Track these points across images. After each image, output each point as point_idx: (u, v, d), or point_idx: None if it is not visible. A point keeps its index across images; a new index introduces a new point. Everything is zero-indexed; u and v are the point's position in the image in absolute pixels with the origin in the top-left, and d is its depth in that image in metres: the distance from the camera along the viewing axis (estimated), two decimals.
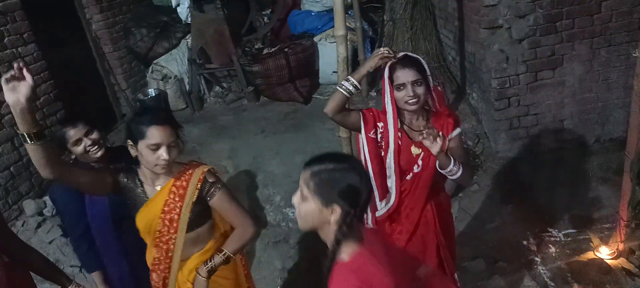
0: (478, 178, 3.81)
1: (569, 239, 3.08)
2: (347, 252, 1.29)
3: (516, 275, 2.92)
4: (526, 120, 3.93)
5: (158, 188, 1.88)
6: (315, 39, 5.58)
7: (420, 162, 1.98)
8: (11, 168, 3.91)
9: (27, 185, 4.03)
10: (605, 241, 2.89)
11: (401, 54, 1.96)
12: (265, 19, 6.28)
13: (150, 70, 5.94)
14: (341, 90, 2.04)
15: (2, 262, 1.77)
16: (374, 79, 5.36)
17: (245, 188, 4.16)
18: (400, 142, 1.99)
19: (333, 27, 5.27)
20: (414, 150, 1.98)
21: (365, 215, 1.37)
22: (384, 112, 2.00)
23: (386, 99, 1.96)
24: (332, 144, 4.33)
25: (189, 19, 5.83)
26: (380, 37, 5.54)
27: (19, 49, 4.08)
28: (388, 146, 1.99)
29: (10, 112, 3.90)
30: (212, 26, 5.60)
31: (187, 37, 5.96)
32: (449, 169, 1.86)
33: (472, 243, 3.22)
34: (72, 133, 2.06)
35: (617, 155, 3.62)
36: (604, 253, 2.81)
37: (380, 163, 2.04)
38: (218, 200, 1.91)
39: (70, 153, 2.11)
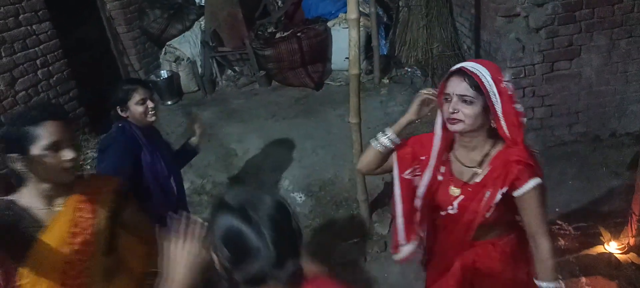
0: None
1: (578, 233, 3.03)
2: None
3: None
4: (541, 111, 3.85)
5: (58, 209, 1.51)
6: (329, 24, 5.53)
7: (455, 205, 1.61)
8: None
9: None
10: (616, 235, 2.84)
11: (462, 63, 1.55)
12: (279, 2, 6.23)
13: (163, 52, 5.95)
14: (376, 145, 1.71)
15: None
16: (387, 65, 5.30)
17: (254, 172, 4.17)
18: (439, 176, 1.64)
19: (345, 12, 5.22)
20: (453, 190, 1.62)
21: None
22: (431, 136, 1.65)
23: (437, 116, 1.61)
24: (342, 129, 4.31)
25: (203, 1, 5.82)
26: (395, 24, 5.47)
27: (33, 26, 4.11)
28: (423, 172, 1.66)
29: (25, 89, 3.96)
30: (226, 9, 5.58)
31: (200, 19, 5.95)
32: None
33: None
34: (141, 92, 2.19)
35: (633, 149, 3.54)
36: (614, 247, 2.76)
37: (412, 201, 1.72)
38: (131, 214, 1.72)
39: (123, 110, 2.22)
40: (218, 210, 1.04)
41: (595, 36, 3.63)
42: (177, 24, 5.87)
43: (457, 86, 1.49)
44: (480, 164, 1.56)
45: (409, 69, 5.18)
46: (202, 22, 5.93)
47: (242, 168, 4.25)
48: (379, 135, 1.71)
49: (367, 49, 5.33)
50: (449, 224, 1.66)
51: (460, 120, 1.49)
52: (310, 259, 1.20)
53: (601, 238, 2.89)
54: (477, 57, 4.60)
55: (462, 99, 1.48)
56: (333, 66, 5.63)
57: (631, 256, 2.68)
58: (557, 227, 3.14)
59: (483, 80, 1.46)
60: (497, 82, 1.46)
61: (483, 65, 1.50)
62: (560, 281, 1.56)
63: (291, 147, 4.35)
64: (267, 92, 5.60)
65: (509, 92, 1.46)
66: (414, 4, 5.13)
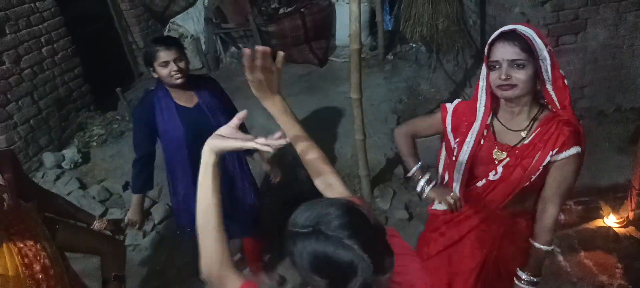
0: None
1: (579, 207, 3.03)
2: None
3: None
4: None
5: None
6: None
7: (499, 170, 1.58)
8: (31, 121, 4.02)
9: (46, 139, 4.15)
10: (616, 210, 2.84)
11: (510, 26, 1.46)
12: None
13: (167, 29, 5.95)
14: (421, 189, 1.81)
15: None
16: (391, 40, 5.26)
17: None
18: (482, 141, 1.60)
19: None
20: (497, 154, 1.58)
21: None
22: (472, 100, 1.62)
23: (481, 81, 1.56)
24: (345, 106, 4.31)
25: None
26: None
27: (37, 3, 4.12)
28: (463, 142, 1.63)
29: (30, 66, 3.99)
30: None
31: None
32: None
33: None
34: (163, 55, 2.08)
35: (637, 124, 3.51)
36: (613, 221, 2.77)
37: (452, 164, 1.71)
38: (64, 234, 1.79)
39: (153, 71, 2.14)
40: (292, 242, 0.90)
41: (601, 10, 3.56)
42: (180, 0, 5.85)
43: (507, 51, 1.43)
44: (527, 128, 1.54)
45: (414, 45, 5.14)
46: None
47: None
48: (421, 181, 1.78)
49: (371, 24, 5.29)
50: (483, 193, 1.65)
51: (513, 85, 1.45)
52: None
53: (601, 212, 2.90)
54: (482, 33, 4.55)
55: (515, 63, 1.43)
56: (337, 42, 5.60)
57: (630, 230, 2.69)
58: None
59: (534, 42, 1.42)
60: (545, 45, 1.43)
61: (530, 28, 1.45)
62: (555, 247, 1.60)
63: None
64: None
65: (555, 56, 1.45)
66: None
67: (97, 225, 2.15)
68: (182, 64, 2.11)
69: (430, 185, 1.77)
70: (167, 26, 5.90)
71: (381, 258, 0.88)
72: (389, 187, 3.47)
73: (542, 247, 1.59)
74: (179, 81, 2.11)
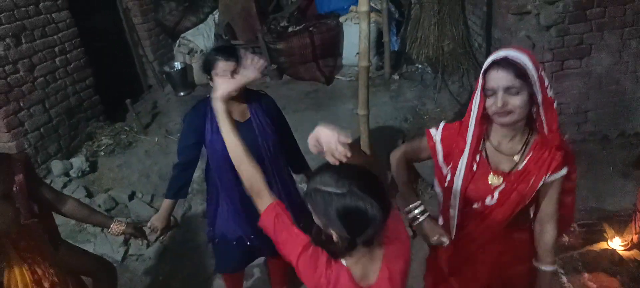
0: None
1: (583, 229, 3.04)
2: (346, 260, 1.25)
3: None
4: None
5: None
6: (341, 19, 5.57)
7: (496, 195, 1.59)
8: (41, 129, 4.08)
9: (55, 147, 4.20)
10: (620, 233, 2.85)
11: (501, 53, 1.48)
12: None
13: (177, 44, 6.05)
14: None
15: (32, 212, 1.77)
16: (398, 61, 5.33)
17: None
18: (475, 167, 1.61)
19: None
20: (493, 179, 1.59)
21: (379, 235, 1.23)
22: (463, 125, 1.62)
23: (473, 106, 1.56)
24: (351, 124, 4.35)
25: None
26: (406, 20, 5.50)
27: (53, 14, 4.22)
28: (456, 168, 1.63)
29: (43, 75, 4.07)
30: (240, 3, 5.65)
31: (214, 12, 6.04)
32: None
33: None
34: (222, 65, 2.04)
35: None
36: (617, 244, 2.78)
37: (448, 190, 1.69)
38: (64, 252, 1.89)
39: (210, 79, 2.10)
40: (322, 199, 1.15)
41: (606, 35, 3.63)
42: (191, 16, 5.96)
43: (502, 78, 1.44)
44: (520, 152, 1.55)
45: (420, 66, 5.21)
46: (216, 15, 6.01)
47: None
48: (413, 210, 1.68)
49: (378, 44, 5.37)
50: (481, 216, 1.64)
51: (510, 112, 1.46)
52: None
53: (605, 235, 2.90)
54: (488, 56, 4.60)
55: (510, 90, 1.44)
56: (344, 61, 5.67)
57: (634, 253, 2.69)
58: None
59: (527, 68, 1.43)
60: (537, 69, 1.45)
61: (522, 52, 1.46)
62: (558, 267, 1.63)
63: (300, 139, 4.36)
64: (278, 85, 5.66)
65: (546, 79, 1.47)
66: (426, 1, 5.15)
67: (114, 228, 2.09)
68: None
69: (424, 216, 1.67)
70: (178, 41, 6.00)
71: (388, 210, 1.16)
72: (393, 203, 3.48)
73: (547, 268, 1.64)
74: (234, 94, 2.09)
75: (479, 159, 1.60)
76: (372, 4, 3.17)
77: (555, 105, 1.49)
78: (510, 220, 1.61)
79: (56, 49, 4.26)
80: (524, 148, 1.55)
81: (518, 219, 1.65)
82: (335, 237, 1.18)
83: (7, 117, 3.77)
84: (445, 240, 1.62)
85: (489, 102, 1.49)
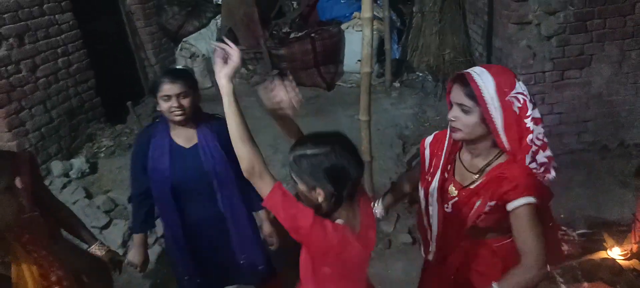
0: None
1: (583, 239, 3.05)
2: (336, 218, 1.37)
3: None
4: (549, 118, 3.88)
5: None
6: (343, 26, 5.61)
7: (449, 205, 1.62)
8: (42, 129, 4.08)
9: (55, 147, 4.20)
10: (619, 242, 2.86)
11: (474, 68, 1.50)
12: (295, 4, 6.33)
13: (179, 48, 6.08)
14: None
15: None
16: (398, 69, 5.36)
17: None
18: (446, 173, 1.64)
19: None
20: (451, 190, 1.62)
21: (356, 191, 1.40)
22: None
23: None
24: (351, 130, 4.35)
25: (220, 0, 5.93)
26: (408, 29, 5.54)
27: (56, 16, 4.24)
28: (437, 169, 1.66)
29: (45, 76, 4.08)
30: (242, 8, 5.68)
31: (217, 17, 6.07)
32: None
33: None
34: (166, 88, 1.93)
35: None
36: (616, 253, 2.78)
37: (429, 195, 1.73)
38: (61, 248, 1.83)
39: (158, 102, 2.00)
40: (308, 160, 1.32)
41: (606, 46, 3.66)
42: (193, 20, 5.99)
43: (457, 94, 1.47)
44: (481, 172, 1.53)
45: (420, 74, 5.24)
46: (218, 20, 6.05)
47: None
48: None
49: (379, 52, 5.40)
50: (447, 220, 1.65)
51: (459, 129, 1.49)
52: None
53: (604, 244, 2.91)
54: (488, 64, 4.63)
55: (461, 107, 1.46)
56: (345, 68, 5.70)
57: (633, 262, 2.70)
58: (562, 232, 3.16)
59: (483, 90, 1.40)
60: (501, 94, 1.39)
61: (491, 74, 1.42)
62: (557, 276, 1.56)
63: None
64: None
65: (517, 106, 1.40)
66: (428, 10, 5.20)
67: (95, 248, 2.07)
68: (185, 101, 1.95)
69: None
70: (180, 45, 6.03)
71: (362, 166, 1.36)
72: (393, 210, 3.49)
73: None
74: (178, 118, 1.97)
75: (450, 167, 1.64)
76: (374, 12, 3.20)
77: (530, 138, 1.41)
78: (472, 231, 1.57)
79: (59, 50, 4.27)
80: (485, 168, 1.52)
81: (492, 232, 1.59)
82: (321, 197, 1.33)
83: (8, 116, 3.77)
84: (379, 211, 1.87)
85: (449, 113, 1.53)
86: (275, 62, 5.63)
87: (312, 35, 5.44)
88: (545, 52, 3.71)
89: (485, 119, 1.42)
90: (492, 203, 1.47)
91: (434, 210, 1.65)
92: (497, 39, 4.25)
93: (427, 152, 1.73)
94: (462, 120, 1.46)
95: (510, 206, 1.43)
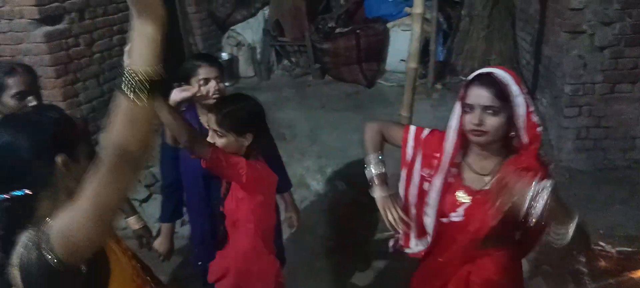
0: None
1: (622, 257, 2.96)
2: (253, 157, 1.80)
3: (560, 281, 2.86)
4: (596, 132, 3.77)
5: None
6: (389, 25, 5.61)
7: (461, 212, 1.55)
8: (94, 102, 4.29)
9: (105, 121, 4.39)
10: None
11: (486, 69, 1.48)
12: (342, 0, 6.37)
13: (226, 36, 6.22)
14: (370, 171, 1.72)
15: None
16: (441, 71, 5.32)
17: (299, 156, 4.31)
18: (451, 179, 1.57)
19: (407, 16, 5.28)
20: (460, 196, 1.55)
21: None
22: (445, 138, 1.58)
23: (452, 120, 1.54)
24: None
25: None
26: (454, 32, 5.48)
27: None
28: (433, 177, 1.58)
29: (100, 51, 4.28)
30: (291, 0, 5.78)
31: (265, 8, 6.18)
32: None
33: None
34: (204, 71, 1.93)
35: None
36: None
37: (422, 197, 1.66)
38: None
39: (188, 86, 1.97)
40: (239, 110, 1.80)
41: None
42: (242, 10, 6.12)
43: (482, 96, 1.41)
44: (492, 173, 1.50)
45: (463, 78, 5.17)
46: (266, 11, 6.15)
47: (288, 152, 4.38)
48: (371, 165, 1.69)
49: (424, 53, 5.37)
50: (451, 231, 1.60)
51: (485, 132, 1.43)
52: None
53: None
54: (535, 74, 4.54)
55: (488, 109, 1.41)
56: (387, 67, 5.71)
57: None
58: (599, 248, 3.08)
59: (510, 89, 1.41)
60: (521, 91, 1.42)
61: (507, 72, 1.44)
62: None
63: (338, 138, 4.46)
64: (320, 84, 5.74)
65: (527, 101, 1.43)
66: (477, 14, 5.13)
67: (133, 221, 2.14)
68: (222, 85, 1.99)
69: (379, 182, 1.65)
70: (227, 33, 6.17)
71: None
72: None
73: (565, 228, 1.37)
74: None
75: (455, 173, 1.57)
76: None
77: (539, 130, 1.44)
78: (481, 241, 1.54)
79: (114, 28, 4.47)
80: (497, 168, 1.49)
81: (494, 240, 1.56)
82: (249, 140, 1.75)
83: (64, 86, 3.98)
84: (395, 217, 1.58)
85: (467, 118, 1.45)
86: (319, 56, 5.70)
87: (357, 31, 5.47)
88: (596, 63, 3.61)
89: (513, 117, 1.42)
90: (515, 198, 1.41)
91: (431, 212, 1.61)
92: (547, 47, 4.16)
93: (410, 142, 1.67)
94: (490, 123, 1.41)
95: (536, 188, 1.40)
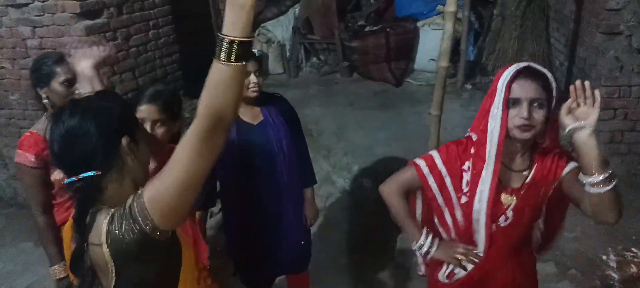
0: None
1: None
2: None
3: (589, 286, 2.81)
4: (630, 135, 3.67)
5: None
6: (419, 24, 5.59)
7: (510, 214, 1.50)
8: (129, 94, 4.41)
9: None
10: None
11: (523, 64, 1.40)
12: None
13: (256, 33, 6.32)
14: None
15: None
16: (472, 71, 5.27)
17: (325, 153, 4.35)
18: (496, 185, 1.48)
19: (438, 14, 5.25)
20: (506, 199, 1.49)
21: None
22: (477, 143, 1.48)
23: (493, 122, 1.41)
24: (417, 126, 4.37)
25: None
26: (486, 32, 5.42)
27: None
28: (474, 192, 1.49)
29: (136, 46, 4.42)
30: None
31: (295, 6, 6.25)
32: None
33: None
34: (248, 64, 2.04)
35: None
36: None
37: (467, 216, 1.55)
38: None
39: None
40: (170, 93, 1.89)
41: None
42: (273, 7, 6.21)
43: (529, 89, 1.35)
44: (528, 167, 1.48)
45: (493, 78, 5.11)
46: (296, 9, 6.22)
47: (314, 148, 4.43)
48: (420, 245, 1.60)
49: (454, 52, 5.33)
50: (501, 236, 1.54)
51: (533, 127, 1.37)
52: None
53: None
54: (568, 75, 4.45)
55: (536, 102, 1.36)
56: (416, 66, 5.69)
57: None
58: (632, 254, 3.01)
59: (551, 81, 1.37)
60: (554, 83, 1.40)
61: (541, 66, 1.42)
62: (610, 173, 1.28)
63: (365, 135, 4.48)
64: (347, 82, 5.77)
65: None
66: (509, 14, 5.05)
67: None
68: (259, 79, 2.03)
69: (436, 245, 1.58)
70: (257, 30, 6.27)
71: None
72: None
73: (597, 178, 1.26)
74: (254, 94, 2.03)
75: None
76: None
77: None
78: (523, 239, 1.57)
79: (150, 23, 4.60)
80: (531, 162, 1.49)
81: (526, 241, 1.60)
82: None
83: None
84: (464, 253, 1.54)
85: (512, 113, 1.37)
86: (348, 54, 5.72)
87: (387, 30, 5.47)
88: (634, 65, 3.51)
89: (553, 108, 1.38)
90: (556, 183, 1.45)
91: (480, 227, 1.52)
92: (582, 48, 4.07)
93: (430, 178, 1.56)
94: (536, 116, 1.36)
95: (565, 171, 1.44)
